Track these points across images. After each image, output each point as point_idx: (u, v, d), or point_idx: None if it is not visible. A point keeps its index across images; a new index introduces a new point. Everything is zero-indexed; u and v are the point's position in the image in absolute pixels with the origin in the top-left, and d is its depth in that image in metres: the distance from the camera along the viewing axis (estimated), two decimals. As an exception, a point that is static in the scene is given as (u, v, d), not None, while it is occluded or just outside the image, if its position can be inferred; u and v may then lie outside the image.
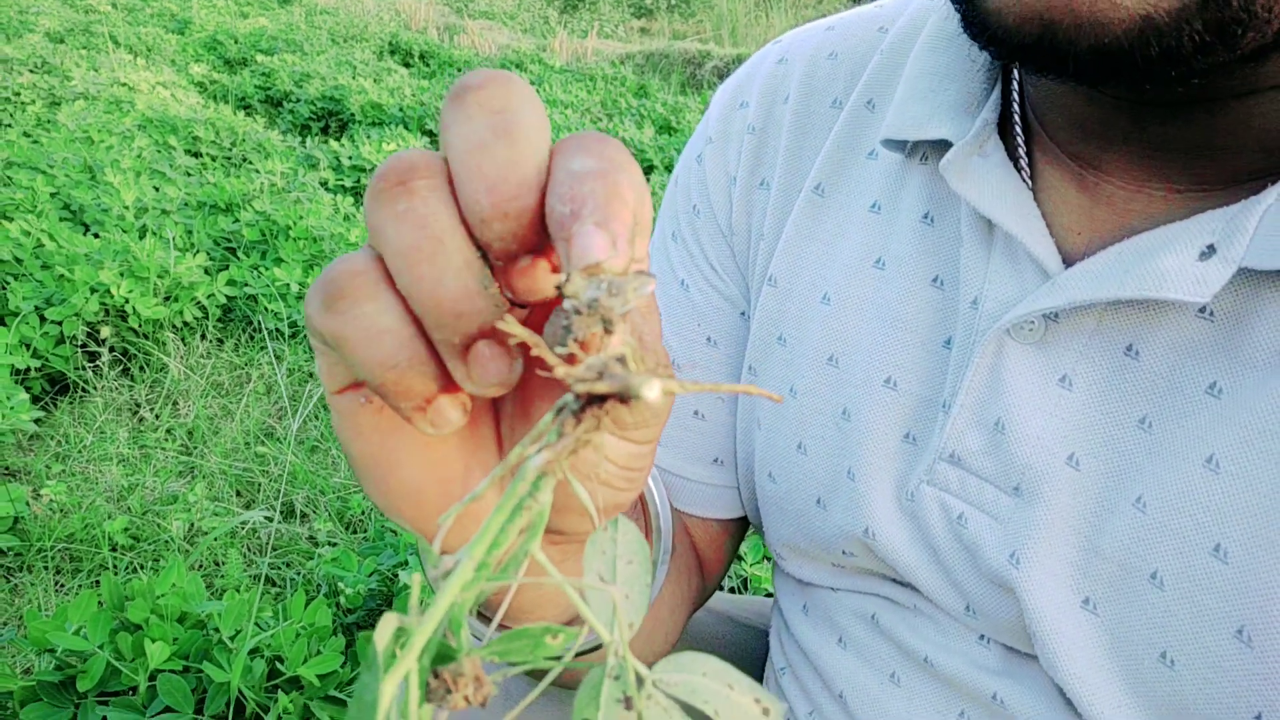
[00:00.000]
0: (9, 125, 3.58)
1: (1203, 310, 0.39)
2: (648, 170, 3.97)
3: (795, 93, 0.54)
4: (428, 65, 6.24)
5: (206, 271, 2.26)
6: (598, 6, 11.79)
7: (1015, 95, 0.45)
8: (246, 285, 2.25)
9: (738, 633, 0.70)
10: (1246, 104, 0.37)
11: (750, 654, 0.67)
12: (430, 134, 4.08)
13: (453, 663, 0.19)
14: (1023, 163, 0.43)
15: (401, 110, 4.25)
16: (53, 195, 2.54)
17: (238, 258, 2.43)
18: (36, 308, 1.99)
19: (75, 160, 2.77)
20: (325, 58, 5.37)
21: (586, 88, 5.48)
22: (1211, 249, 0.37)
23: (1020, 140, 0.44)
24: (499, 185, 0.22)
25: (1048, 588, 0.42)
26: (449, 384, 0.24)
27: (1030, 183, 0.43)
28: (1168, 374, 0.39)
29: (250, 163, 3.22)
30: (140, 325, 2.05)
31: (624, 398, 0.19)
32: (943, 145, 0.45)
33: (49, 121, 3.59)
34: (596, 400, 0.19)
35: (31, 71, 4.26)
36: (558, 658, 0.20)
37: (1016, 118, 0.44)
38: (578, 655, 0.40)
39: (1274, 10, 0.32)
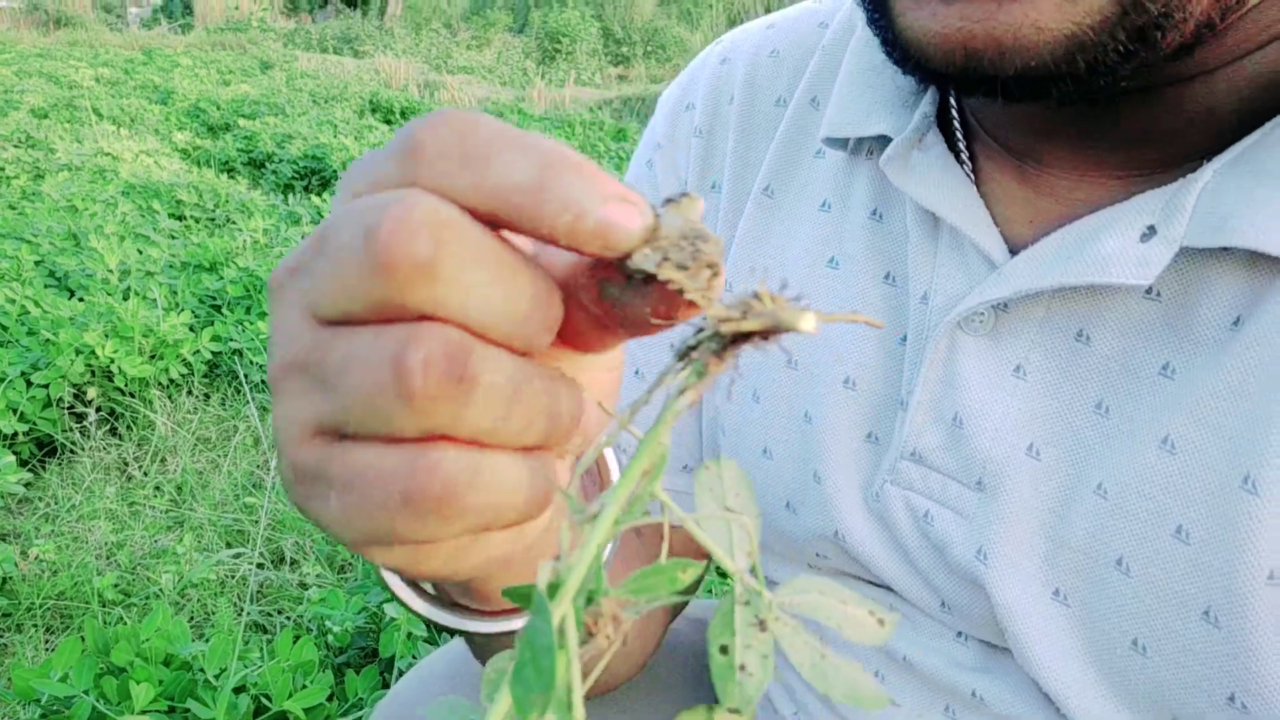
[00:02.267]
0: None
1: (1149, 291, 0.38)
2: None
3: (739, 93, 0.53)
4: (408, 120, 6.33)
5: (191, 329, 2.28)
6: (574, 56, 11.96)
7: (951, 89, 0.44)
8: (231, 340, 2.27)
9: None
10: (1177, 90, 0.37)
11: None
12: (412, 186, 4.13)
13: (593, 605, 0.19)
14: (964, 155, 0.43)
15: (383, 164, 4.30)
16: (37, 263, 2.57)
17: (222, 314, 2.46)
18: (22, 373, 2.00)
19: (59, 228, 2.81)
20: (307, 118, 5.45)
21: (565, 133, 5.56)
22: (1152, 230, 0.36)
23: (959, 133, 0.44)
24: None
25: (1017, 581, 0.41)
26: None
27: (972, 175, 0.43)
28: (1120, 357, 0.39)
29: (234, 222, 3.26)
30: (126, 384, 2.07)
31: (772, 332, 0.19)
32: (885, 141, 0.44)
33: (34, 193, 3.63)
34: (741, 338, 0.20)
35: (15, 146, 4.32)
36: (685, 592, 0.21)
37: (954, 110, 0.44)
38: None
39: (1189, 10, 0.32)
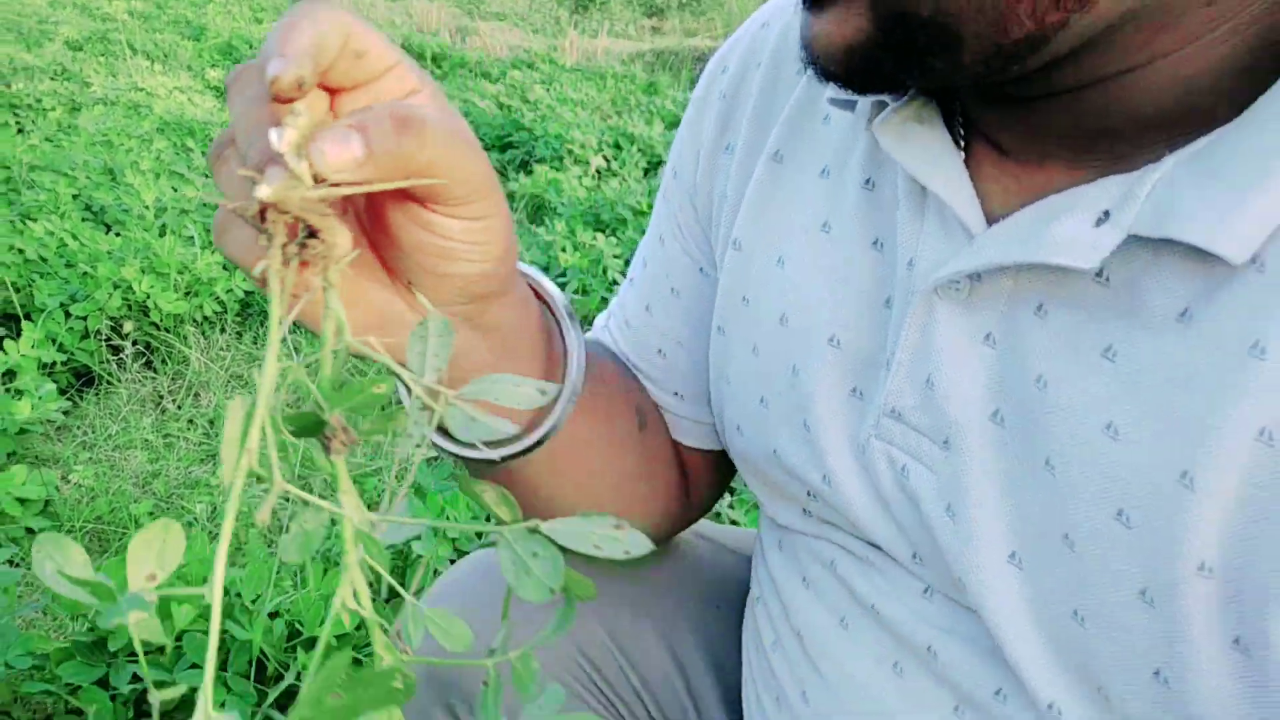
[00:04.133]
0: (31, 130, 3.66)
1: (1099, 274, 0.39)
2: (658, 164, 4.01)
3: (768, 59, 0.56)
4: (440, 67, 6.30)
5: (224, 267, 2.32)
6: (609, 6, 11.84)
7: None
8: (264, 280, 2.31)
9: (726, 558, 0.74)
10: (1096, 93, 0.38)
11: (735, 579, 0.72)
12: (442, 133, 4.13)
13: (325, 425, 0.27)
14: (960, 133, 0.45)
15: (414, 110, 4.31)
16: (75, 197, 2.61)
17: (255, 254, 2.50)
18: (61, 304, 2.05)
19: (96, 163, 2.85)
20: (338, 61, 5.45)
21: (597, 86, 5.54)
22: (1106, 215, 0.38)
23: (958, 108, 0.46)
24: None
25: (979, 540, 0.43)
26: None
27: (964, 149, 0.45)
28: (1069, 335, 0.41)
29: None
30: (162, 320, 2.12)
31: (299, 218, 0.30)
32: (882, 107, 0.47)
33: (70, 127, 3.67)
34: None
35: (52, 79, 4.35)
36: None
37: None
38: (517, 455, 0.51)
39: (966, 30, 0.35)
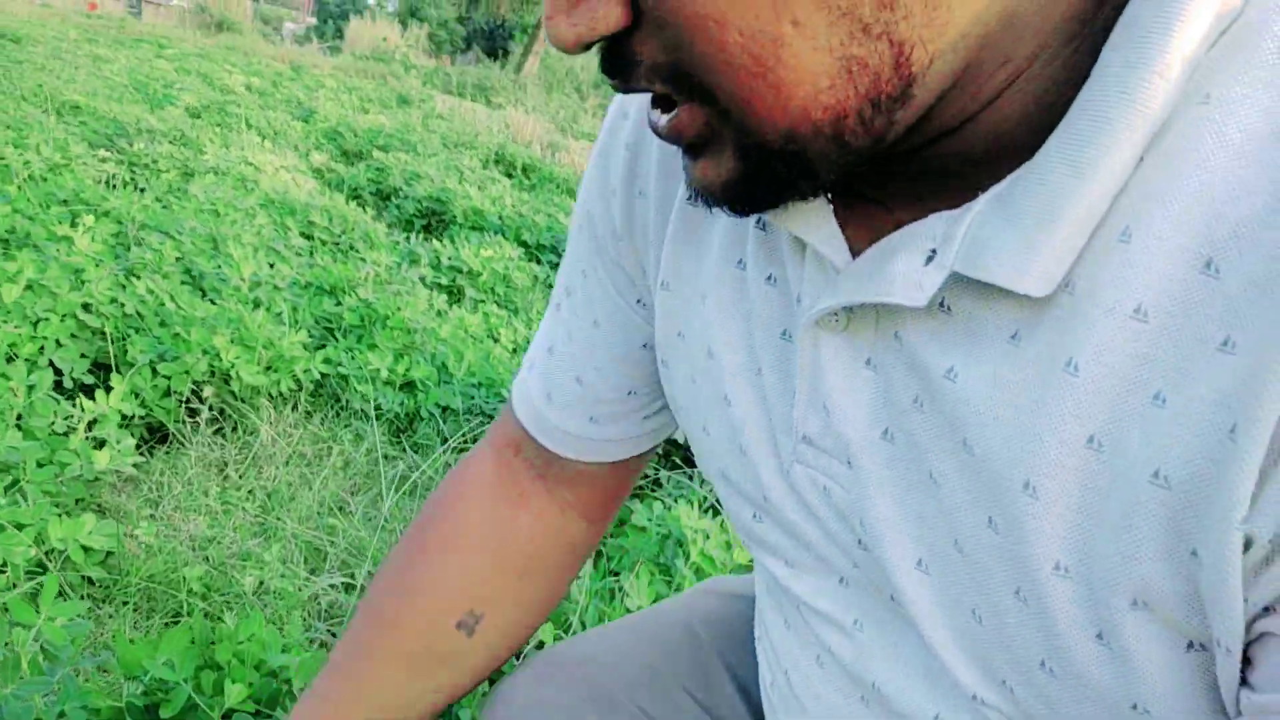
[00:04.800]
0: (145, 189, 3.88)
1: (942, 305, 0.43)
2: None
3: (633, 116, 0.60)
4: (529, 178, 6.56)
5: (305, 347, 2.42)
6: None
7: None
8: (340, 365, 2.40)
9: (738, 604, 0.81)
10: (929, 148, 0.41)
11: (747, 621, 0.78)
12: (524, 244, 4.29)
13: None
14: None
15: (500, 219, 4.48)
16: (178, 259, 2.76)
17: (335, 338, 2.60)
18: (150, 361, 2.15)
19: (201, 230, 3.00)
20: (435, 160, 5.71)
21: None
22: (934, 253, 0.41)
23: None
24: None
25: (890, 549, 0.47)
26: None
27: (829, 196, 0.49)
28: (921, 359, 0.44)
29: (356, 250, 3.44)
30: (240, 390, 2.20)
31: None
32: None
33: (181, 191, 3.88)
34: None
35: (170, 143, 4.62)
36: None
37: None
38: None
39: (817, 147, 0.38)
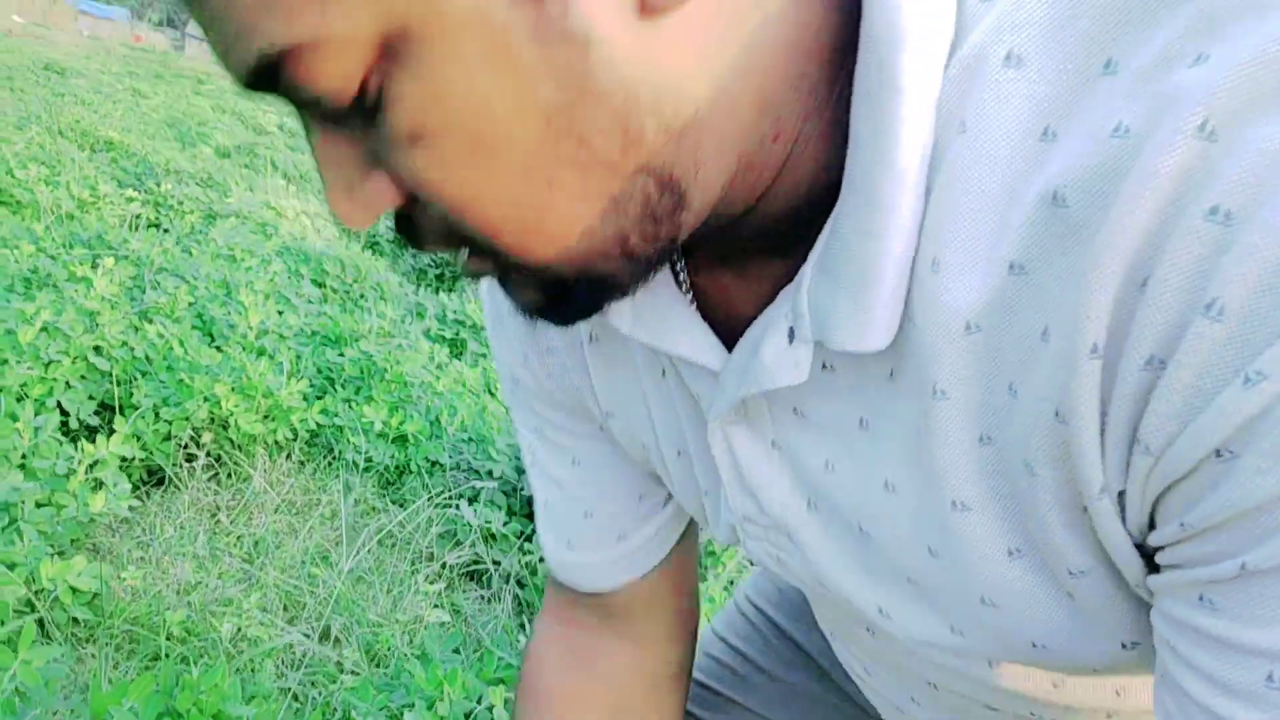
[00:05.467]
0: (168, 230, 4.02)
1: (824, 366, 0.44)
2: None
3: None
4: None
5: (305, 397, 2.51)
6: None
7: None
8: (336, 416, 2.49)
9: None
10: (740, 223, 0.43)
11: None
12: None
13: None
14: (682, 276, 0.50)
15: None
16: (190, 304, 2.87)
17: (335, 389, 2.69)
18: (154, 405, 2.25)
19: (216, 275, 3.12)
20: (454, 210, 5.84)
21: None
22: (793, 332, 0.42)
23: (679, 261, 0.50)
24: None
25: (856, 600, 0.50)
26: None
27: (689, 286, 0.50)
28: (827, 422, 0.46)
29: (366, 300, 3.55)
30: (238, 437, 2.29)
31: None
32: None
33: (202, 233, 4.02)
34: None
35: (198, 184, 4.78)
36: None
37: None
38: None
39: (605, 271, 0.40)
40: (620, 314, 0.49)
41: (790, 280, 0.44)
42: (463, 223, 0.38)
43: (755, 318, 0.46)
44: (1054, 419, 0.36)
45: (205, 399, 2.29)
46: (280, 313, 3.01)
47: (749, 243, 0.45)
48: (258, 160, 6.25)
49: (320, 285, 3.65)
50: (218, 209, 4.37)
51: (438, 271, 4.72)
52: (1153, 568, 0.38)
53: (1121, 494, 0.36)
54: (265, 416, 2.38)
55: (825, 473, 0.47)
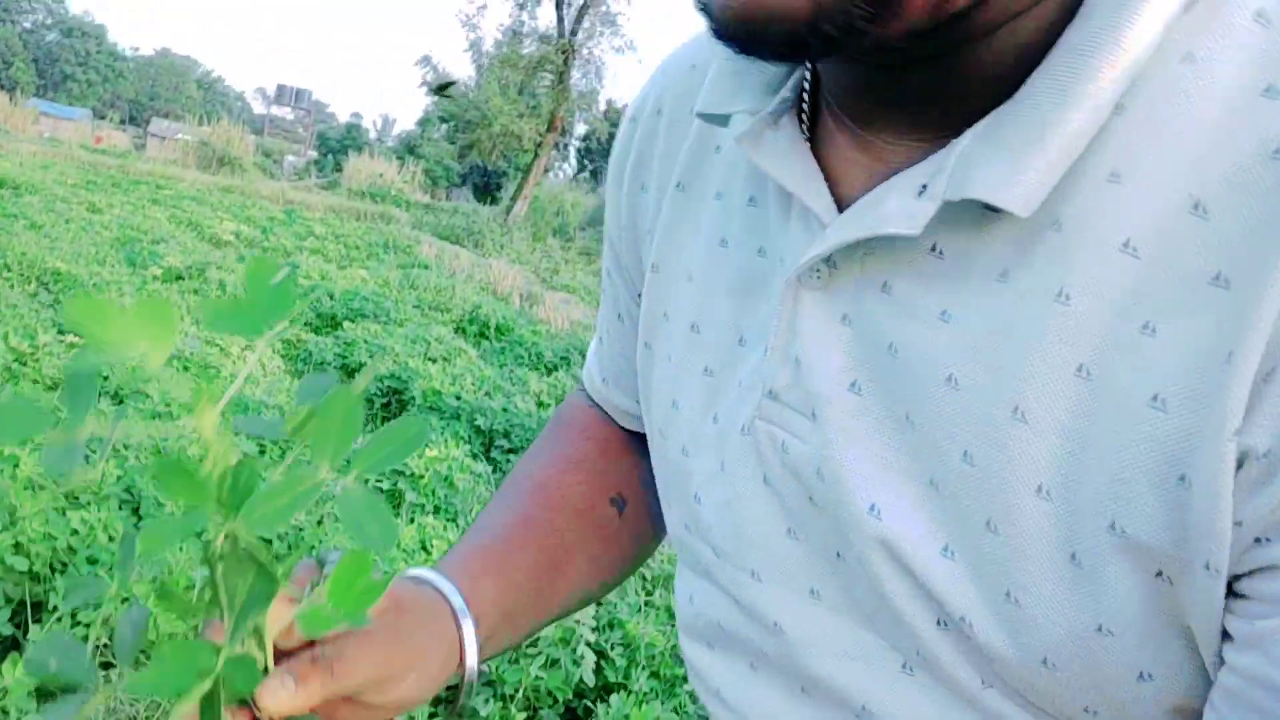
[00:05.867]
0: (108, 378, 3.97)
1: (934, 249, 0.45)
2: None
3: (667, 105, 0.64)
4: (500, 340, 6.71)
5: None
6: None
7: (807, 78, 0.53)
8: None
9: None
10: (956, 56, 0.43)
11: None
12: (478, 429, 4.39)
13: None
14: (804, 131, 0.51)
15: (458, 399, 4.60)
16: (119, 478, 2.83)
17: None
18: (74, 609, 2.20)
19: (148, 443, 3.09)
20: (404, 331, 5.85)
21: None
22: (924, 188, 0.43)
23: (805, 114, 0.52)
24: None
25: (844, 494, 0.48)
26: None
27: (812, 147, 0.51)
28: (910, 304, 0.46)
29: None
30: (158, 639, 2.25)
31: None
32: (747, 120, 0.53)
33: (136, 389, 3.97)
34: None
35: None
36: None
37: (805, 96, 0.52)
38: None
39: None
40: (749, 140, 0.51)
41: (921, 157, 0.45)
42: None
43: (863, 193, 0.47)
44: (1224, 361, 0.37)
45: (124, 600, 2.24)
46: (212, 481, 2.97)
47: (907, 101, 0.46)
48: (208, 284, 6.23)
49: (260, 445, 3.62)
50: (161, 350, 4.33)
51: (384, 400, 4.72)
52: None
53: (1244, 456, 0.37)
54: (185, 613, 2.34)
55: (888, 354, 0.47)
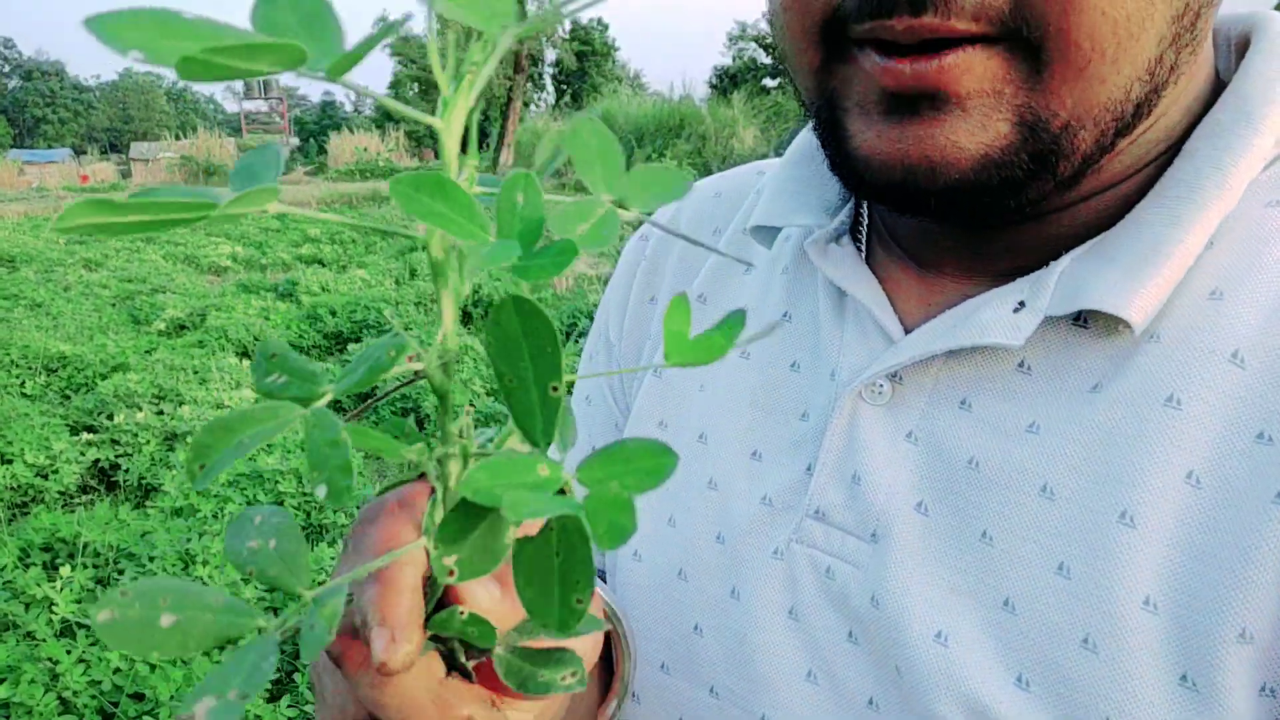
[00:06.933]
0: (128, 470, 4.02)
1: (1021, 365, 0.45)
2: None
3: (685, 224, 0.65)
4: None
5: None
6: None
7: (865, 205, 0.54)
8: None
9: None
10: (1057, 216, 0.45)
11: None
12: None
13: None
14: (862, 257, 0.53)
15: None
16: (151, 597, 2.88)
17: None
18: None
19: (173, 549, 3.11)
20: (411, 335, 5.82)
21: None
22: (1022, 304, 0.44)
23: (862, 242, 0.53)
24: None
25: (905, 623, 0.45)
26: None
27: (872, 273, 0.51)
28: (995, 420, 0.45)
29: (328, 533, 3.55)
30: None
31: None
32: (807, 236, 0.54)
33: (164, 462, 4.02)
34: None
35: (150, 401, 4.75)
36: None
37: (864, 223, 0.54)
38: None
39: (1075, 144, 0.40)
40: (816, 249, 0.52)
41: (979, 291, 0.47)
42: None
43: (922, 319, 0.49)
44: None
45: (165, 737, 2.30)
46: (245, 581, 3.01)
47: (986, 256, 0.48)
48: (209, 335, 6.22)
49: (279, 502, 3.66)
50: (174, 425, 4.37)
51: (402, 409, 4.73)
52: None
53: None
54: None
55: (968, 469, 0.46)
